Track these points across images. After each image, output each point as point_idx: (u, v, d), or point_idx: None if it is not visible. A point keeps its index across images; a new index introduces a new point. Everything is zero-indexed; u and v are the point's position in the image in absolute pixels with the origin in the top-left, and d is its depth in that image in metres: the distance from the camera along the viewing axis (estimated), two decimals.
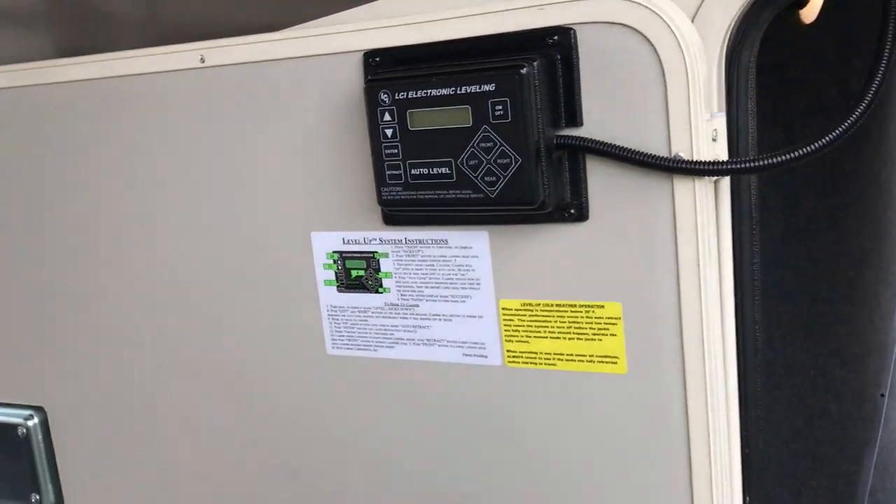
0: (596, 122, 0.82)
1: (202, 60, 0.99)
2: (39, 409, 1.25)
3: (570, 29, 0.80)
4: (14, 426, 1.26)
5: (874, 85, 0.77)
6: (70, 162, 1.11)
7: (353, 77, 0.91)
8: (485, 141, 0.81)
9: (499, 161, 0.81)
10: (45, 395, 1.24)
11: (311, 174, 0.96)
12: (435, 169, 0.84)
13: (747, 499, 0.93)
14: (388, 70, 0.88)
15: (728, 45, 0.83)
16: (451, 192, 0.84)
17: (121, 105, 1.05)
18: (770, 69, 0.92)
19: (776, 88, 1.22)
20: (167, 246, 1.08)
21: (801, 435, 1.49)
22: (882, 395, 1.85)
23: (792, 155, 0.77)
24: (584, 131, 0.82)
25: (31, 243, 1.17)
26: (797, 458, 1.48)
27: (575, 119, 0.82)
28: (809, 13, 1.18)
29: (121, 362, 1.15)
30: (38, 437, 1.27)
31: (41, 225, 1.16)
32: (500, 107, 0.80)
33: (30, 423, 1.26)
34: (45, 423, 1.26)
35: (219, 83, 0.98)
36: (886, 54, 0.77)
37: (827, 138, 0.76)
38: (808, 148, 0.77)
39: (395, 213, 0.90)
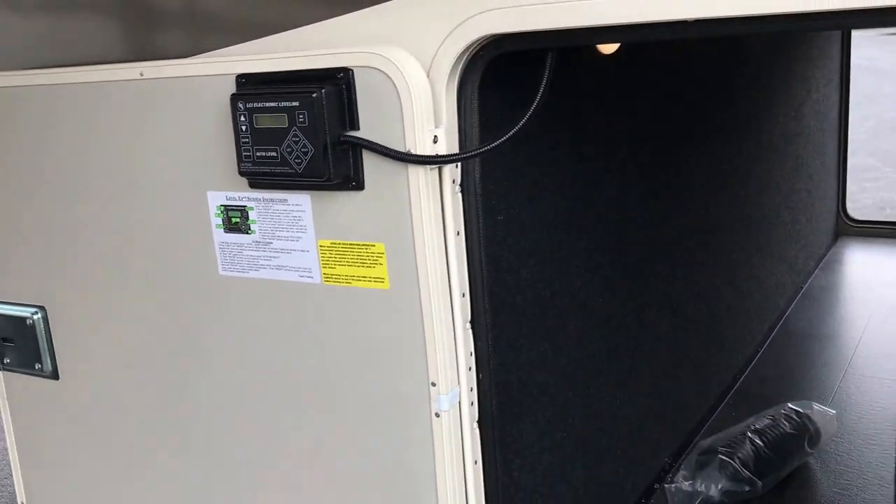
0: (367, 127, 1.30)
1: (141, 75, 1.49)
2: (42, 308, 1.79)
3: (350, 69, 1.29)
4: (24, 318, 1.81)
5: (532, 108, 1.24)
6: (52, 146, 1.63)
7: (231, 90, 1.41)
8: (294, 137, 1.30)
9: (302, 150, 1.30)
10: (46, 297, 1.78)
11: (208, 153, 1.46)
12: (269, 153, 1.34)
13: (480, 375, 1.41)
14: (248, 88, 1.37)
15: (458, 80, 1.30)
16: (277, 168, 1.33)
17: (81, 104, 1.57)
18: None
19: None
20: (120, 201, 1.59)
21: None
22: None
23: (473, 152, 1.25)
24: (361, 133, 1.31)
25: (33, 192, 1.70)
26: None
27: (355, 124, 1.31)
28: (606, 47, 1.71)
29: (98, 281, 1.68)
30: (41, 326, 1.81)
31: (41, 184, 1.69)
32: (302, 116, 1.28)
33: (35, 316, 1.80)
34: (45, 318, 1.80)
35: (152, 91, 1.49)
36: (541, 90, 1.24)
37: (494, 143, 1.24)
38: (482, 148, 1.24)
39: (253, 181, 1.40)
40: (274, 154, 1.33)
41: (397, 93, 1.26)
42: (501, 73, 1.35)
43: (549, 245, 1.72)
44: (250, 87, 1.38)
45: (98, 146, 1.59)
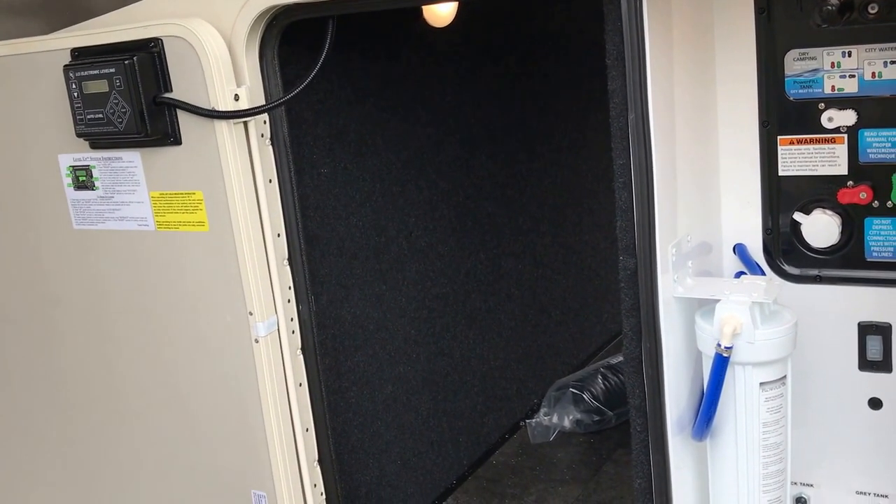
0: (179, 90, 1.53)
1: None
2: None
3: (160, 39, 1.51)
4: None
5: (315, 69, 1.47)
6: None
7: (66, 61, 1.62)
8: (115, 99, 1.52)
9: (122, 110, 1.52)
10: None
11: (54, 120, 1.68)
12: (97, 115, 1.56)
13: (300, 307, 1.64)
14: (81, 60, 1.59)
15: (258, 46, 1.52)
16: (105, 128, 1.56)
17: None
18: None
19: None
20: None
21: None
22: None
23: (265, 106, 1.48)
24: (174, 95, 1.53)
25: None
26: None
27: (168, 87, 1.53)
28: (433, 19, 1.95)
29: None
30: None
31: None
32: (119, 81, 1.51)
33: None
34: None
35: (8, 66, 1.71)
36: (324, 52, 1.48)
37: (278, 101, 1.47)
38: (271, 104, 1.47)
39: (90, 141, 1.62)
40: (101, 116, 1.55)
41: (198, 58, 1.48)
42: (307, 40, 1.57)
43: (382, 197, 1.94)
44: (82, 59, 1.59)
45: None
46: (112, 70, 1.51)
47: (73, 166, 1.70)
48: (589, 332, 2.88)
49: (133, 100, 1.51)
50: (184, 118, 1.54)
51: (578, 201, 2.77)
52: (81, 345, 1.81)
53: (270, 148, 1.58)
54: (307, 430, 1.67)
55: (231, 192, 1.54)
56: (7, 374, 1.94)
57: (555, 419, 2.33)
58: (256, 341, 1.60)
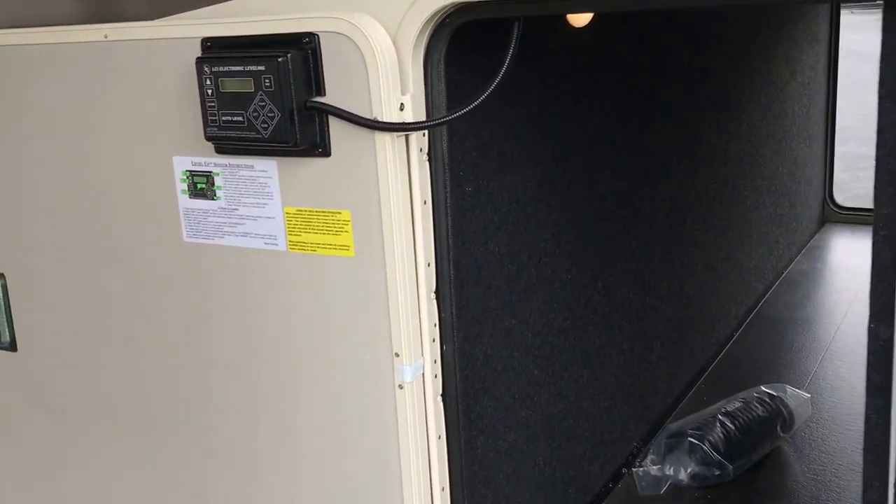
0: (334, 94, 1.34)
1: (105, 37, 1.52)
2: (1, 276, 1.82)
3: (316, 34, 1.32)
4: None
5: (497, 78, 1.29)
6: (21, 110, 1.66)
7: (196, 54, 1.44)
8: (261, 101, 1.34)
9: (269, 115, 1.33)
10: (5, 265, 1.80)
11: (173, 118, 1.50)
12: (235, 118, 1.37)
13: (444, 347, 1.46)
14: (214, 52, 1.40)
15: (425, 48, 1.34)
16: (243, 133, 1.37)
17: (42, 66, 1.59)
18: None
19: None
20: (83, 166, 1.62)
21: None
22: None
23: (440, 119, 1.29)
24: (327, 99, 1.34)
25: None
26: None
27: (321, 91, 1.34)
28: (578, 20, 1.74)
29: (60, 248, 1.70)
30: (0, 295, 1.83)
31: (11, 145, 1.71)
32: (269, 80, 1.32)
33: None
34: (4, 287, 1.83)
35: (116, 54, 1.52)
36: (507, 61, 1.29)
37: (461, 111, 1.28)
38: (449, 116, 1.29)
39: (219, 146, 1.43)
40: (240, 119, 1.37)
41: (363, 59, 1.30)
42: (470, 42, 1.39)
43: (517, 218, 1.76)
44: (216, 51, 1.41)
45: (60, 109, 1.61)
46: (261, 67, 1.32)
47: (190, 171, 1.51)
48: (682, 365, 2.71)
49: (284, 103, 1.32)
50: (337, 127, 1.36)
51: (682, 220, 2.60)
52: (181, 376, 1.62)
53: (428, 164, 1.40)
54: (443, 489, 1.49)
55: (387, 214, 1.36)
56: (93, 402, 1.75)
57: (668, 470, 2.15)
58: (400, 387, 1.41)
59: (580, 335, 2.05)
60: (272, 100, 1.33)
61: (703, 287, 2.80)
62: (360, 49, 1.30)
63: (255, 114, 1.35)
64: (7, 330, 1.82)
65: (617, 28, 2.12)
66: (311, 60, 1.33)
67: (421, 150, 1.38)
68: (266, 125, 1.35)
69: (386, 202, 1.35)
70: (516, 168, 1.75)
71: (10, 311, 1.83)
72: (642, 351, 2.40)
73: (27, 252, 1.75)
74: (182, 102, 1.48)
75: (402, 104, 1.32)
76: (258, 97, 1.34)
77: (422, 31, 1.32)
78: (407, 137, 1.35)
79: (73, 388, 1.77)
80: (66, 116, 1.61)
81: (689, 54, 2.58)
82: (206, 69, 1.38)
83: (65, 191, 1.66)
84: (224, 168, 1.48)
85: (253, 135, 1.36)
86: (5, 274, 1.81)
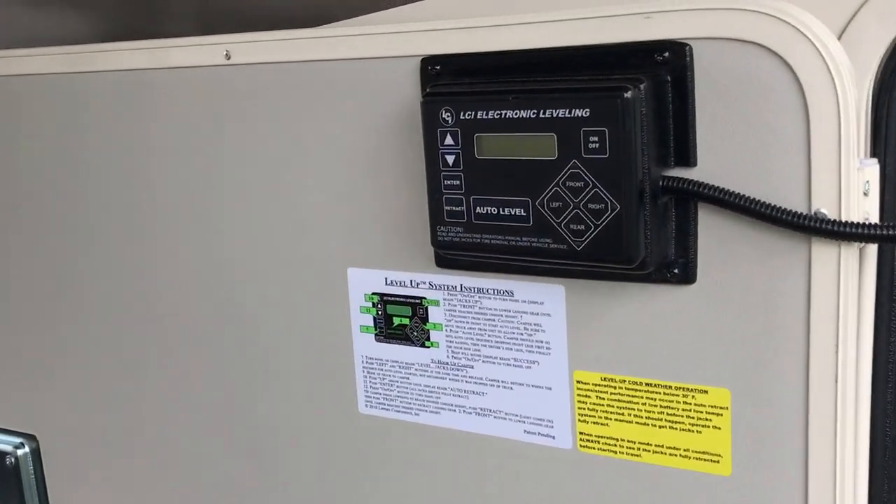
0: (713, 163, 0.67)
1: (227, 57, 0.86)
2: (31, 437, 1.15)
3: (686, 44, 0.66)
4: (2, 454, 1.16)
5: None
6: (69, 160, 0.99)
7: (406, 88, 0.77)
8: (574, 179, 0.67)
9: (590, 206, 0.67)
10: (38, 421, 1.14)
11: (352, 198, 0.83)
12: (507, 209, 0.70)
13: None
14: (451, 82, 0.74)
15: (878, 75, 0.68)
16: (524, 238, 0.70)
17: (134, 101, 0.93)
18: None
19: None
20: (171, 267, 0.95)
21: None
22: None
23: None
24: (698, 173, 0.68)
25: (31, 256, 1.06)
26: None
27: (687, 158, 0.68)
28: None
29: (121, 393, 1.04)
30: (29, 467, 1.17)
31: (38, 238, 1.04)
32: (597, 138, 0.65)
33: (20, 451, 1.16)
34: (36, 452, 1.16)
35: (245, 84, 0.86)
36: None
37: None
38: None
39: (456, 257, 0.77)
40: (520, 212, 0.70)
41: (801, 94, 0.63)
42: None
43: None
44: (452, 80, 0.75)
45: (142, 180, 0.95)
46: (580, 113, 0.66)
47: (381, 294, 0.84)
48: None
49: (626, 183, 0.65)
50: (717, 227, 0.69)
51: None
52: None
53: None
54: None
55: (819, 400, 0.68)
56: None
57: None
58: None
59: None
60: (599, 176, 0.66)
61: None
62: (796, 75, 0.63)
63: (557, 204, 0.68)
64: None
65: None
66: (672, 98, 0.67)
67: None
68: (581, 226, 0.68)
69: (823, 378, 0.68)
70: None
71: (44, 487, 1.16)
72: None
73: (72, 407, 1.09)
74: (373, 173, 0.82)
75: (867, 184, 0.66)
76: (567, 172, 0.67)
77: (889, 43, 0.66)
78: (861, 254, 0.68)
79: None
80: (151, 188, 0.95)
81: None
82: (445, 116, 0.71)
83: (146, 313, 1.00)
84: (451, 293, 0.81)
85: (547, 244, 0.69)
86: (38, 436, 1.14)
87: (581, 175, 0.67)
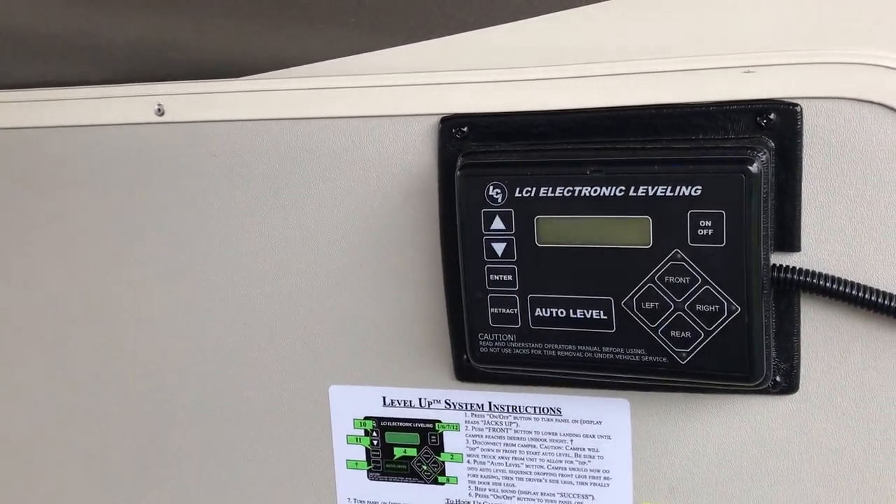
0: (821, 247, 0.56)
1: (160, 112, 0.66)
2: None
3: (796, 105, 0.54)
4: None
5: None
6: None
7: (420, 154, 0.61)
8: (676, 273, 0.53)
9: (699, 307, 0.53)
10: None
11: (339, 293, 0.65)
12: (580, 311, 0.55)
13: None
14: (489, 149, 0.59)
15: None
16: (606, 349, 0.55)
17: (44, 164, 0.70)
18: None
19: None
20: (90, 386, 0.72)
21: None
22: None
23: None
24: (803, 259, 0.56)
25: None
26: None
27: (791, 241, 0.56)
28: None
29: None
30: None
31: None
32: (710, 222, 0.52)
33: None
34: None
35: (184, 145, 0.66)
36: None
37: None
38: None
39: (510, 372, 0.60)
40: (602, 315, 0.55)
41: None
42: None
43: None
44: (485, 144, 0.59)
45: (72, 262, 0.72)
46: (693, 191, 0.52)
47: (375, 418, 0.66)
48: None
49: (753, 278, 0.52)
50: (823, 324, 0.57)
51: None
52: None
53: None
54: None
55: None
56: None
57: None
58: None
59: None
60: (712, 270, 0.53)
61: None
62: None
63: (653, 304, 0.54)
64: None
65: None
66: (776, 169, 0.55)
67: None
68: (687, 333, 0.54)
69: None
70: None
71: None
72: None
73: None
74: (357, 261, 0.64)
75: None
76: (666, 264, 0.53)
77: None
78: None
79: None
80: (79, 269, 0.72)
81: None
82: (490, 193, 0.55)
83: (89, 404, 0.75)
84: (476, 414, 0.64)
85: (639, 356, 0.54)
86: None
87: (687, 268, 0.53)
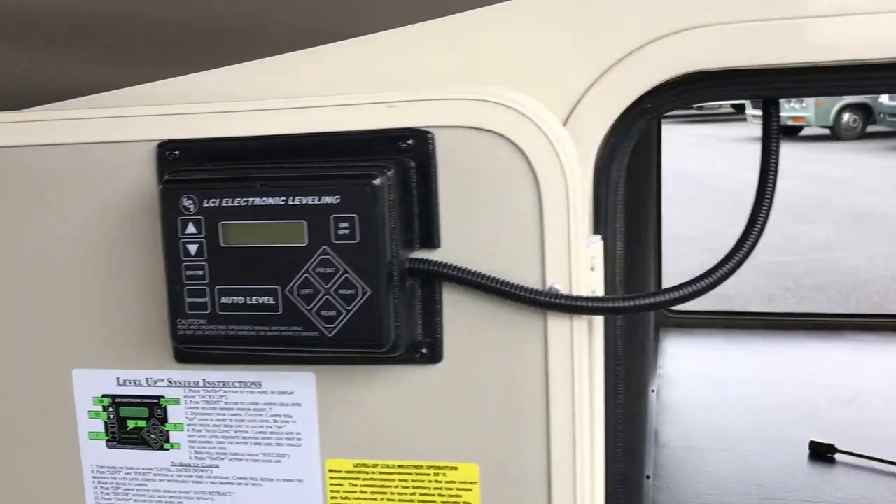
0: (456, 244, 0.71)
1: None
2: None
3: (427, 132, 0.70)
4: None
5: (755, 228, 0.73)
6: None
7: (140, 174, 0.74)
8: (324, 265, 0.67)
9: (341, 291, 0.67)
10: None
11: (75, 291, 0.77)
12: (255, 298, 0.69)
13: None
14: (192, 168, 0.72)
15: (597, 157, 0.76)
16: (274, 328, 0.69)
17: None
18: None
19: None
20: None
21: None
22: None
23: (682, 292, 0.71)
24: (442, 254, 0.71)
25: None
26: None
27: (432, 240, 0.71)
28: None
29: None
30: None
31: None
32: (346, 224, 0.66)
33: None
34: None
35: None
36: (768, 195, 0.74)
37: (719, 274, 0.71)
38: (701, 283, 0.71)
39: (199, 351, 0.73)
40: (270, 300, 0.68)
41: (534, 177, 0.69)
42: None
43: None
44: (191, 164, 0.73)
45: None
46: (333, 199, 0.66)
47: (111, 396, 0.78)
48: None
49: (375, 268, 0.67)
50: (460, 306, 0.72)
51: None
52: None
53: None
54: None
55: (560, 467, 0.73)
56: None
57: None
58: None
59: None
60: (350, 262, 0.67)
61: None
62: (528, 160, 0.69)
63: (307, 290, 0.68)
64: None
65: None
66: (416, 183, 0.70)
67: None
68: (332, 312, 0.68)
69: (563, 445, 0.72)
70: None
71: None
72: None
73: None
74: (100, 264, 0.76)
75: (592, 260, 0.73)
76: (317, 258, 0.67)
77: (617, 124, 0.74)
78: (590, 324, 0.75)
79: None
80: None
81: None
82: (186, 204, 0.69)
83: None
84: (193, 389, 0.77)
85: (298, 332, 0.68)
86: None
87: (331, 261, 0.67)
